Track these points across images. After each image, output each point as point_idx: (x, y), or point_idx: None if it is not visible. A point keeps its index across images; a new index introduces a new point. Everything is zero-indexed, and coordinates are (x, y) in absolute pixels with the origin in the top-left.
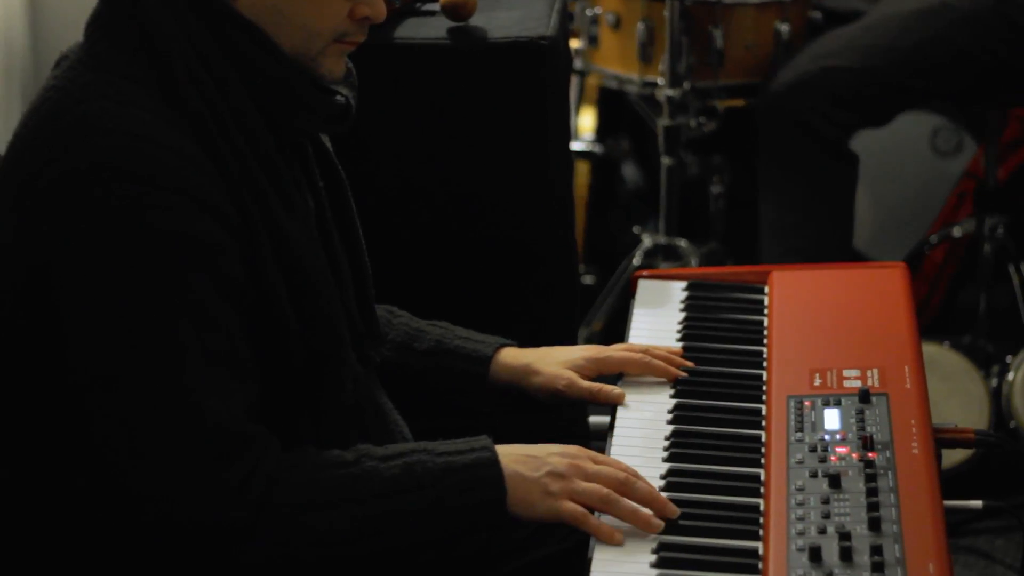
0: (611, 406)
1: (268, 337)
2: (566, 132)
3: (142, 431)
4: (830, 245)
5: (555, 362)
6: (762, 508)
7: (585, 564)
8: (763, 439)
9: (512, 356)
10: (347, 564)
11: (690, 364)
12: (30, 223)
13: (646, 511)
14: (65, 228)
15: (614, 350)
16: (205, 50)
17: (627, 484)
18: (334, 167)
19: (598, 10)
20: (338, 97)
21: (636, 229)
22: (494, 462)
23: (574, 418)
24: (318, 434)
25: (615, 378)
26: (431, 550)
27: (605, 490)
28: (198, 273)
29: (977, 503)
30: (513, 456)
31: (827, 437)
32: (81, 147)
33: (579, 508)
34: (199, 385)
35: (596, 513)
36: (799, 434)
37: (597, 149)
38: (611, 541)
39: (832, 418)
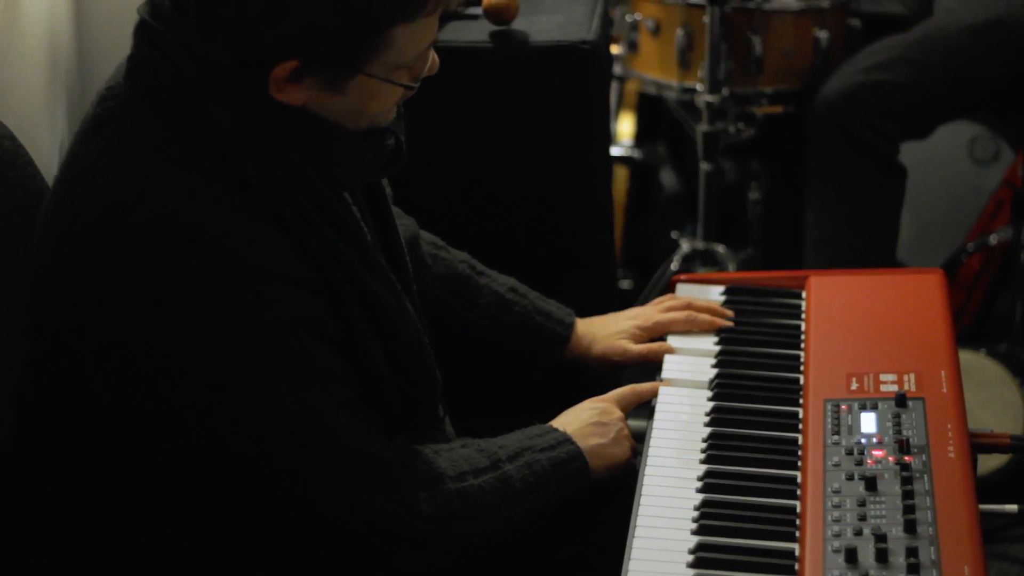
0: (649, 407)
1: (367, 389)
2: (607, 137)
3: (318, 463)
4: (875, 259)
5: (608, 335)
6: (798, 510)
7: (622, 564)
8: (800, 442)
9: (577, 334)
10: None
11: (731, 313)
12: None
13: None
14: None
15: (657, 311)
16: (259, 132)
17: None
18: (379, 192)
19: (638, 16)
20: (389, 142)
21: (674, 234)
22: (579, 453)
23: None
24: None
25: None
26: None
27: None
28: (311, 342)
29: (1012, 507)
30: (585, 433)
31: (863, 440)
32: (160, 258)
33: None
34: (344, 425)
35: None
36: (836, 437)
37: (635, 154)
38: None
39: (869, 422)
